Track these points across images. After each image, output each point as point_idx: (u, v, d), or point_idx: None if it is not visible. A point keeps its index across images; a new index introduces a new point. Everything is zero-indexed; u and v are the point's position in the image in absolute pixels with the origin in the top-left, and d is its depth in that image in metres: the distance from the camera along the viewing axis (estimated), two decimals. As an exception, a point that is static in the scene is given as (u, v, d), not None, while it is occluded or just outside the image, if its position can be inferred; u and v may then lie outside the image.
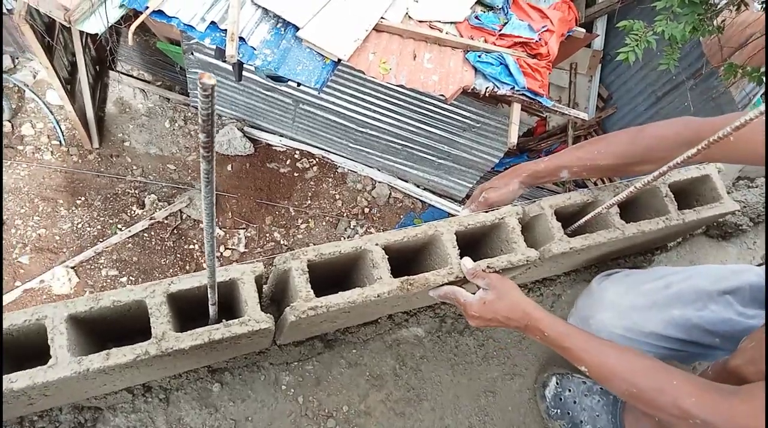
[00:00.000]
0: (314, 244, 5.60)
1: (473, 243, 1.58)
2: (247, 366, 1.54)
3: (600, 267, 1.84)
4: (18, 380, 1.10)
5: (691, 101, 5.49)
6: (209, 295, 1.15)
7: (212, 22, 4.01)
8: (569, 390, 1.67)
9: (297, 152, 6.41)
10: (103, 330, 1.36)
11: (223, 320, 1.23)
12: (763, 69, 4.65)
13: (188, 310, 1.38)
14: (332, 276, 1.53)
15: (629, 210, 1.70)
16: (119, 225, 5.59)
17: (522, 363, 1.75)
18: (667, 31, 4.22)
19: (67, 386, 1.22)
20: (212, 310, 1.23)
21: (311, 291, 1.28)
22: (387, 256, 1.39)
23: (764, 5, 4.66)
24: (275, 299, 1.52)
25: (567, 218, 1.57)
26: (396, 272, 1.39)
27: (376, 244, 1.37)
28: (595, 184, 6.06)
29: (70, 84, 5.31)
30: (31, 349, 1.23)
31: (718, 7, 4.71)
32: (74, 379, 1.15)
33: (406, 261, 1.60)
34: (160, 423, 1.45)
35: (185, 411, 1.47)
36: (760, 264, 1.63)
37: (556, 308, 1.84)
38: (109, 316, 1.26)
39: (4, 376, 1.10)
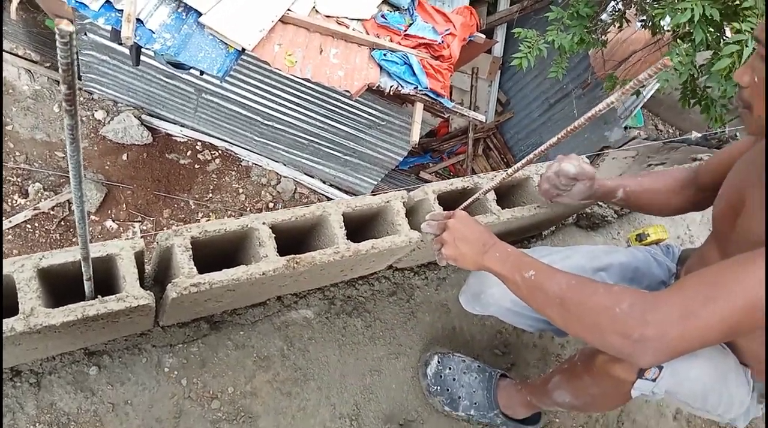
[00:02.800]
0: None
1: (361, 226, 1.64)
2: (128, 348, 1.50)
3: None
4: None
5: (577, 110, 5.91)
6: (83, 270, 1.12)
7: (107, 1, 3.82)
8: (449, 368, 1.76)
9: (199, 143, 6.22)
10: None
11: (99, 296, 1.20)
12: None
13: (64, 289, 1.33)
14: (219, 258, 1.53)
15: (508, 200, 1.82)
16: (-2, 215, 5.18)
17: (406, 343, 1.82)
18: (557, 41, 4.53)
19: None
20: (87, 286, 1.19)
21: (194, 268, 1.28)
22: (275, 236, 1.41)
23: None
24: (158, 279, 1.49)
25: (451, 203, 1.66)
26: (285, 253, 1.42)
27: (263, 223, 1.38)
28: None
29: (-58, 59, 4.84)
30: None
31: (605, 23, 5.12)
32: (-72, 358, 1.08)
33: (296, 242, 1.62)
34: (29, 409, 1.38)
35: (58, 395, 1.41)
36: (627, 247, 1.82)
37: (440, 291, 1.94)
38: (-28, 293, 1.19)
39: None
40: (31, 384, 1.39)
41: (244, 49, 4.14)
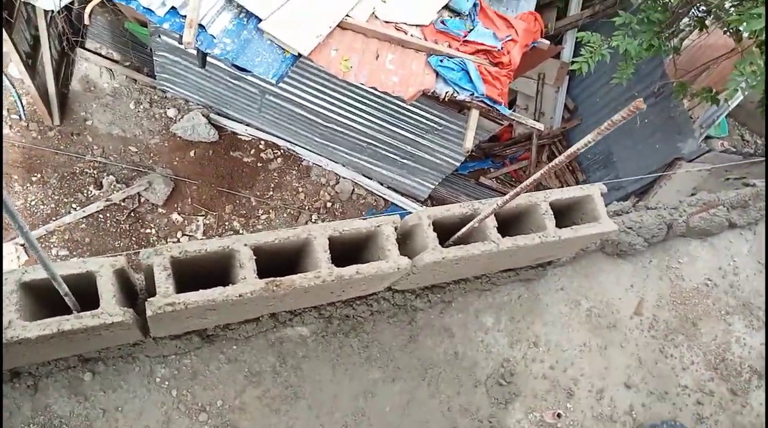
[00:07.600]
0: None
1: (351, 250, 1.61)
2: (122, 357, 1.56)
3: (491, 277, 1.89)
4: None
5: (651, 119, 5.59)
6: (56, 286, 1.16)
7: (173, 7, 4.00)
8: None
9: (262, 142, 6.41)
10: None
11: (75, 312, 1.24)
12: (715, 91, 4.75)
13: (58, 299, 1.40)
14: (212, 275, 1.56)
15: (514, 226, 1.74)
16: (74, 205, 5.56)
17: (405, 367, 1.78)
18: (622, 46, 4.31)
19: None
20: (68, 300, 1.25)
21: (170, 287, 1.30)
22: (260, 257, 1.42)
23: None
24: (151, 293, 1.54)
25: (448, 229, 1.61)
26: (277, 274, 1.42)
27: (245, 244, 1.39)
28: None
29: (31, 58, 5.25)
30: None
31: (680, 28, 4.81)
32: None
33: (290, 263, 1.62)
34: (25, 410, 1.46)
35: (53, 398, 1.48)
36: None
37: (445, 314, 1.88)
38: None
39: None
40: (28, 386, 1.47)
41: (300, 54, 4.20)
